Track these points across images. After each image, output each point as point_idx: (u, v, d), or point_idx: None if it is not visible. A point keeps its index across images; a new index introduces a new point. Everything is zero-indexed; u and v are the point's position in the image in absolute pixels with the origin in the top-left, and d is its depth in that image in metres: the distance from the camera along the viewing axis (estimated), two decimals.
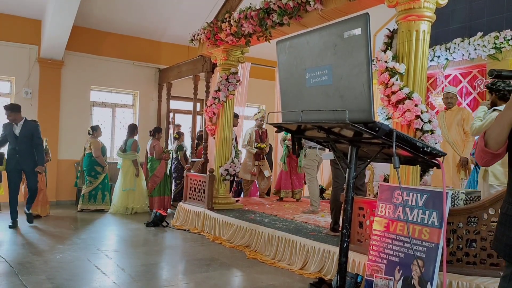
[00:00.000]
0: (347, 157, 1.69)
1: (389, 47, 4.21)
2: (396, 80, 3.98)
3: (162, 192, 8.22)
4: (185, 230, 6.60)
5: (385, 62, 4.05)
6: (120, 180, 8.01)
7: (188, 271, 4.71)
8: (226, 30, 6.24)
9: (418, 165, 1.90)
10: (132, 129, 8.26)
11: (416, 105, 3.88)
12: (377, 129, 1.41)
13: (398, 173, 1.48)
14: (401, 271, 3.41)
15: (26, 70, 8.43)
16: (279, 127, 1.86)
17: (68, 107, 8.81)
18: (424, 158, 1.55)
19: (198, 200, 6.94)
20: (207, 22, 6.81)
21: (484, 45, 6.70)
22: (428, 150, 1.52)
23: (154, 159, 8.13)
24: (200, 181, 6.96)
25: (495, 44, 6.57)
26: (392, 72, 4.01)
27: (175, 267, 4.88)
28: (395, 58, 4.06)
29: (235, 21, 6.00)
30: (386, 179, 5.17)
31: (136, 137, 8.26)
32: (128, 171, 8.00)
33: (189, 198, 7.22)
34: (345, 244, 1.62)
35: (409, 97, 3.90)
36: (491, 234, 3.42)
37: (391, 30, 4.27)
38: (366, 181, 5.65)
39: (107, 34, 9.17)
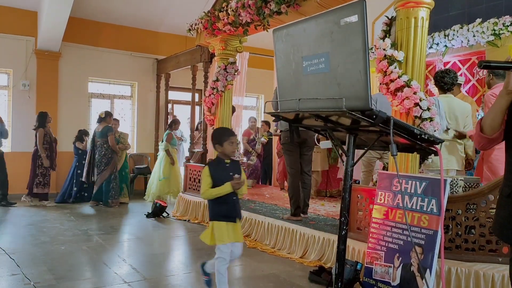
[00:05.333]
0: (344, 145, 1.69)
1: (387, 35, 4.18)
2: (395, 68, 3.96)
3: None
4: (185, 220, 6.63)
5: (384, 49, 4.03)
6: (157, 169, 8.43)
7: (189, 260, 4.74)
8: (223, 19, 6.20)
9: (416, 153, 1.91)
10: (170, 124, 8.90)
11: (415, 93, 3.87)
12: (374, 116, 1.41)
13: (395, 160, 1.48)
14: (400, 258, 3.43)
15: (23, 62, 8.38)
16: (277, 116, 1.86)
17: (66, 99, 8.78)
18: (422, 145, 1.55)
19: (198, 190, 6.95)
20: (204, 12, 6.76)
21: (483, 31, 6.65)
22: (426, 137, 1.51)
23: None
24: (199, 171, 6.96)
25: (494, 30, 6.52)
26: (391, 60, 3.99)
27: (176, 257, 4.91)
28: (394, 45, 4.03)
29: (233, 10, 5.96)
30: (385, 167, 5.18)
31: (177, 130, 9.00)
32: (164, 161, 8.36)
33: (189, 188, 7.23)
34: (344, 232, 1.63)
35: (407, 84, 3.89)
36: (490, 220, 3.43)
37: (390, 18, 4.23)
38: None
39: (104, 25, 9.11)
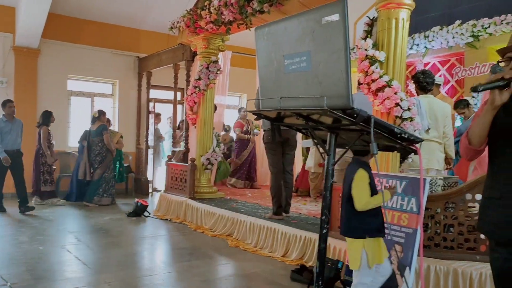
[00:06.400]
0: (326, 144, 1.70)
1: (369, 35, 4.22)
2: (376, 68, 4.00)
3: None
4: (167, 219, 6.57)
5: (365, 50, 4.06)
6: None
7: (171, 260, 4.70)
8: (206, 17, 6.16)
9: (396, 152, 1.93)
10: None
11: (395, 93, 3.91)
12: (355, 115, 1.41)
13: (376, 159, 1.49)
14: None
15: (0, 59, 8.19)
16: (259, 115, 1.85)
17: (45, 97, 8.60)
18: (402, 144, 1.56)
19: (180, 189, 6.91)
20: (186, 10, 6.72)
21: (462, 33, 6.77)
22: (406, 136, 1.53)
23: None
24: (181, 170, 6.92)
25: (473, 32, 6.65)
26: (372, 60, 4.03)
27: (157, 257, 4.87)
28: (375, 46, 4.07)
29: (215, 8, 5.93)
30: None
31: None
32: None
33: (171, 187, 7.18)
34: (325, 231, 1.63)
35: (388, 85, 3.93)
36: (469, 219, 3.49)
37: (371, 18, 4.27)
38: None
39: (85, 22, 8.95)
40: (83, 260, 4.41)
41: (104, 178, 7.75)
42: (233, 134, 9.19)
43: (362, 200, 2.52)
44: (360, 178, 2.55)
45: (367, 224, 2.58)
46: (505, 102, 1.71)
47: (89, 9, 8.69)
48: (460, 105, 5.81)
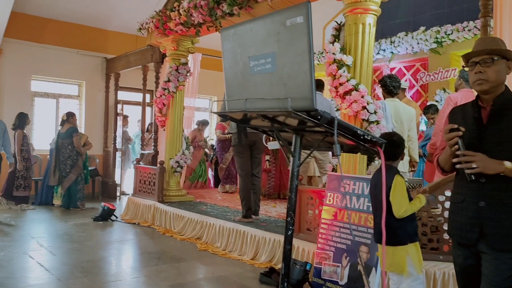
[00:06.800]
0: (291, 145, 1.71)
1: (337, 39, 4.29)
2: (344, 71, 4.06)
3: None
4: (135, 223, 6.46)
5: (333, 54, 4.12)
6: None
7: (138, 265, 4.61)
8: (175, 19, 6.11)
9: (360, 153, 1.95)
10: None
11: (362, 97, 3.98)
12: (319, 117, 1.42)
13: (339, 160, 1.51)
14: (348, 258, 3.51)
15: None
16: (224, 116, 1.84)
17: (8, 98, 8.30)
18: (365, 145, 1.59)
19: (148, 193, 6.81)
20: (155, 11, 6.64)
21: (426, 39, 6.98)
22: (369, 138, 1.56)
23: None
24: (150, 173, 6.82)
25: (437, 38, 6.86)
26: (340, 64, 4.09)
27: (124, 262, 4.77)
28: (343, 50, 4.14)
29: (185, 10, 5.89)
30: (334, 169, 5.30)
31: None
32: None
33: (139, 191, 7.06)
34: (290, 232, 1.64)
35: (356, 88, 4.00)
36: (431, 220, 3.59)
37: (339, 23, 4.34)
38: (314, 174, 5.78)
39: (49, 21, 8.70)
40: (46, 266, 4.27)
41: (80, 181, 7.65)
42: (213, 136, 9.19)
43: (402, 207, 2.51)
44: (399, 185, 2.55)
45: (407, 230, 2.57)
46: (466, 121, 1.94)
47: (53, 8, 8.45)
48: (430, 110, 5.96)
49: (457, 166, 1.86)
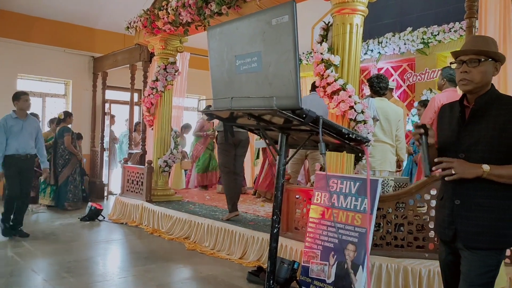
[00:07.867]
0: (277, 144, 1.71)
1: (324, 39, 4.31)
2: (331, 71, 4.08)
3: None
4: (122, 223, 6.42)
5: (321, 54, 4.14)
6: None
7: (125, 265, 4.59)
8: (163, 18, 6.08)
9: (346, 152, 1.97)
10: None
11: (350, 96, 4.00)
12: (304, 116, 1.43)
13: (324, 158, 1.52)
14: (335, 256, 3.53)
15: None
16: (210, 115, 1.84)
17: None
18: (350, 144, 1.60)
19: (136, 192, 6.77)
20: (143, 10, 6.60)
21: (413, 40, 7.04)
22: (353, 137, 1.57)
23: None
24: (138, 173, 6.78)
25: (423, 39, 6.93)
26: (328, 64, 4.11)
27: (111, 262, 4.74)
28: (331, 50, 4.16)
29: (173, 9, 5.86)
30: (322, 168, 5.32)
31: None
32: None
33: (127, 190, 7.02)
34: (276, 230, 1.65)
35: (343, 88, 4.02)
36: (417, 218, 3.63)
37: (327, 23, 4.36)
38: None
39: (35, 19, 8.60)
40: (32, 267, 4.23)
41: (71, 182, 7.53)
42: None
43: None
44: None
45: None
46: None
47: (39, 6, 8.35)
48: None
49: (438, 174, 1.90)
